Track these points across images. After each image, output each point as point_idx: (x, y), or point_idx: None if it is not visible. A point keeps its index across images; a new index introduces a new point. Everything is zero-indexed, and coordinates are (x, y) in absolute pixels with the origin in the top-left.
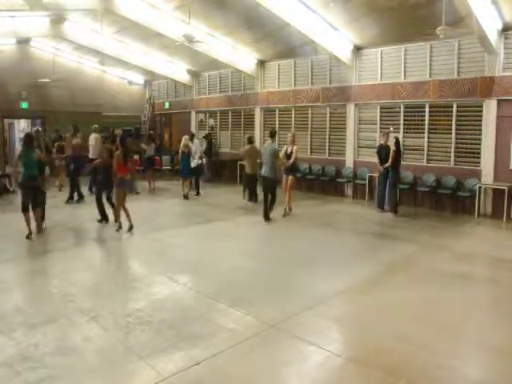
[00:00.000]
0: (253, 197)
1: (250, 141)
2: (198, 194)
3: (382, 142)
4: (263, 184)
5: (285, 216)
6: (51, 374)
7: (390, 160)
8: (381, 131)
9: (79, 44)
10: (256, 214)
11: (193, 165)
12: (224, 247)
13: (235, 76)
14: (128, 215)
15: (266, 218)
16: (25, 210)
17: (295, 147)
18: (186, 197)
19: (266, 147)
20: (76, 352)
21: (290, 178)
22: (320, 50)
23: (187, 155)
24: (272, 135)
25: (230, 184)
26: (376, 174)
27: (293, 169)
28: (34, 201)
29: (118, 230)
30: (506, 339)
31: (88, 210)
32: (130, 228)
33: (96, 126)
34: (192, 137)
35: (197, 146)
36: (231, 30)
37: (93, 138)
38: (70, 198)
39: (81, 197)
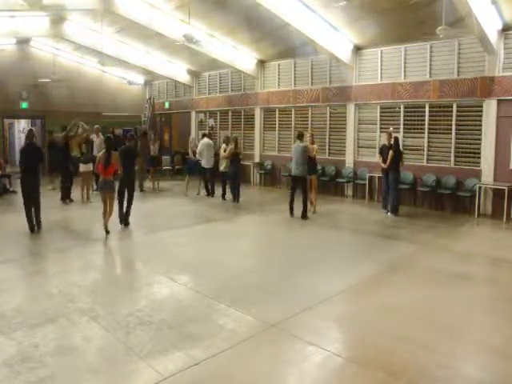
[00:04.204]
0: (209, 190)
1: (209, 136)
2: (208, 194)
3: (386, 142)
4: (294, 183)
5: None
6: (51, 374)
7: (388, 160)
8: (385, 131)
9: (79, 44)
10: (256, 214)
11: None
12: (224, 247)
13: (235, 76)
14: (107, 218)
15: (292, 214)
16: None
17: (315, 146)
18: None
19: (296, 147)
20: (76, 352)
21: (313, 177)
22: (320, 50)
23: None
24: (299, 137)
25: None
26: (377, 174)
27: (314, 168)
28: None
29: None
30: (506, 339)
31: (87, 211)
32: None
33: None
34: (203, 136)
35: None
36: (231, 29)
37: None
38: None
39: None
